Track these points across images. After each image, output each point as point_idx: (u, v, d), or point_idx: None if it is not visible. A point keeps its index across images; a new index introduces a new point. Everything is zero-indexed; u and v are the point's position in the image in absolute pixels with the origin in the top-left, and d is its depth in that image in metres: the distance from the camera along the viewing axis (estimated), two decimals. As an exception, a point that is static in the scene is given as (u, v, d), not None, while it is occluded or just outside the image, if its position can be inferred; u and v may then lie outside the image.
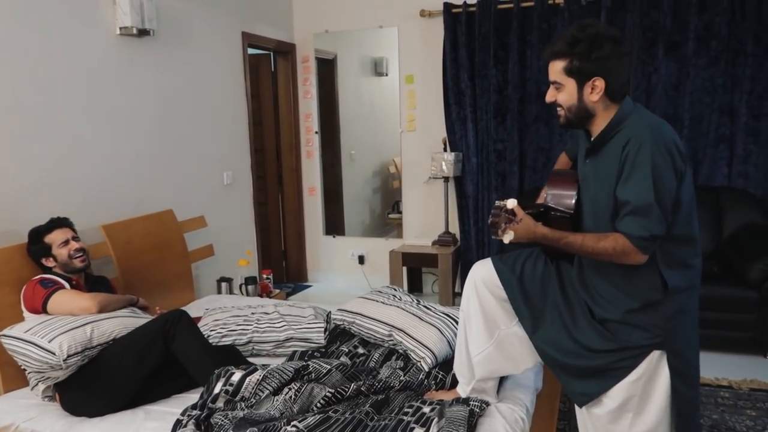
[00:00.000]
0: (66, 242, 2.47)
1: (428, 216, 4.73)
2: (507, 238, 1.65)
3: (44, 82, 2.77)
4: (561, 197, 1.82)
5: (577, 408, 1.87)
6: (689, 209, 1.65)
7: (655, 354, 1.68)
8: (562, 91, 1.69)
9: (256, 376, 2.03)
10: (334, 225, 5.26)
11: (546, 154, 4.22)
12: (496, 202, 1.67)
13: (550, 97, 1.74)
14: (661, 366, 1.68)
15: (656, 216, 1.54)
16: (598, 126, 1.70)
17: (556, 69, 1.68)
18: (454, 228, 4.58)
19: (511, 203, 1.66)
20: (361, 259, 5.07)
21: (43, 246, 2.45)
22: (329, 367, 2.13)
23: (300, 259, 5.24)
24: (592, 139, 1.73)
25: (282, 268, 5.26)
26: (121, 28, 3.15)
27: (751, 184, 3.82)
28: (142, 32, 3.24)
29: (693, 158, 3.87)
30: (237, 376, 2.03)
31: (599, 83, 1.63)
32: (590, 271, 1.77)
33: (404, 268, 4.52)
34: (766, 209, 3.76)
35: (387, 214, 5.35)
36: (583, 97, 1.66)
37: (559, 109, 1.73)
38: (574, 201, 1.80)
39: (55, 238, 2.46)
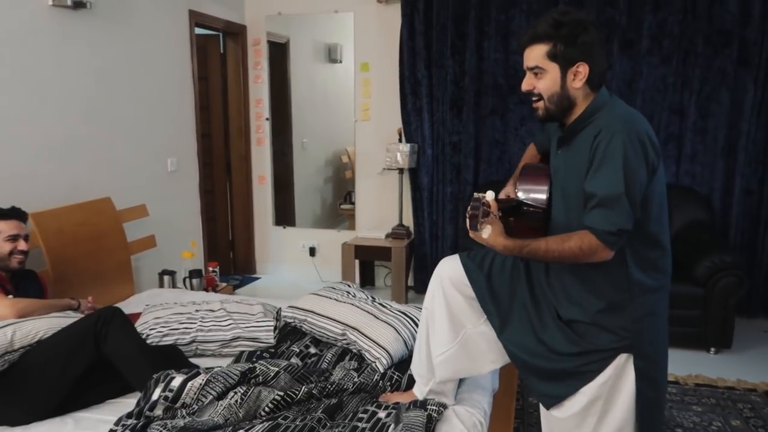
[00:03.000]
0: (14, 238, 2.27)
1: (382, 208, 4.64)
2: (486, 232, 1.55)
3: (-37, 55, 2.51)
4: (533, 191, 1.74)
5: (542, 409, 1.82)
6: (660, 206, 1.60)
7: (622, 357, 1.63)
8: (543, 77, 1.58)
9: (198, 381, 1.88)
10: (285, 215, 5.10)
11: (501, 147, 4.19)
12: (475, 194, 1.56)
13: (526, 85, 1.62)
14: (628, 369, 1.64)
15: (624, 209, 1.48)
16: (574, 115, 1.63)
17: (538, 54, 1.57)
18: (408, 221, 4.50)
19: (490, 196, 1.56)
20: (312, 251, 4.93)
21: None
22: (277, 369, 2.00)
23: (248, 250, 5.06)
24: (565, 128, 1.66)
25: (229, 259, 5.06)
26: (53, -1, 2.90)
27: (697, 182, 3.90)
28: (78, 4, 2.99)
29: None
30: (177, 380, 1.88)
31: (583, 69, 1.55)
32: (557, 270, 1.71)
33: (357, 261, 4.41)
34: (712, 207, 3.85)
35: (339, 204, 5.23)
36: (566, 84, 1.57)
37: (536, 101, 1.63)
38: (546, 196, 1.73)
39: (6, 227, 2.28)
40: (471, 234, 1.57)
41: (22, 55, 2.78)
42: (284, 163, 5.06)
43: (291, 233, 5.01)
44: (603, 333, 1.63)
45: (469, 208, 1.53)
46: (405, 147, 4.20)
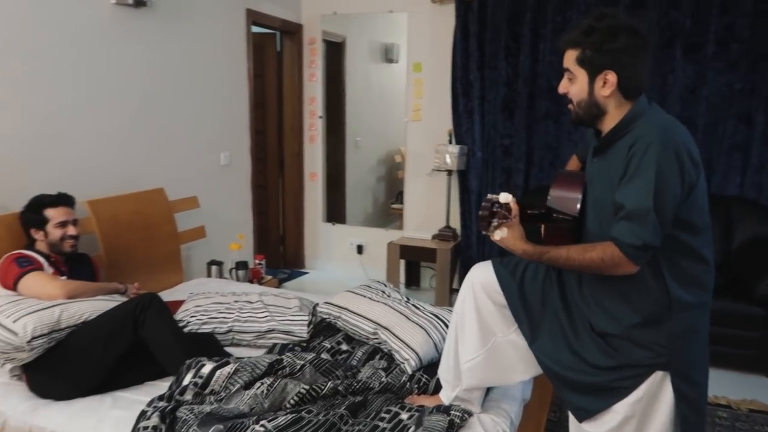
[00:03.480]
0: (64, 223, 2.39)
1: (430, 209, 4.62)
2: (498, 234, 1.53)
3: (31, 51, 2.67)
4: (565, 200, 1.70)
5: (571, 421, 1.76)
6: (702, 219, 1.53)
7: (658, 374, 1.57)
8: (574, 82, 1.58)
9: (227, 369, 1.94)
10: (336, 212, 5.16)
11: (554, 152, 4.09)
12: (489, 195, 1.54)
13: (562, 88, 1.63)
14: (664, 388, 1.57)
15: (652, 224, 1.42)
16: (609, 124, 1.59)
17: (569, 57, 1.58)
18: (456, 223, 4.46)
19: (505, 198, 1.54)
20: (360, 249, 4.97)
21: (40, 218, 2.37)
22: (303, 362, 2.03)
23: (298, 246, 5.15)
24: (601, 137, 1.62)
25: (279, 253, 5.17)
26: (117, -2, 3.05)
27: (764, 195, 3.67)
28: (139, 3, 3.13)
29: (706, 166, 3.66)
30: (207, 368, 1.94)
31: (611, 77, 1.52)
32: (590, 281, 1.66)
33: (402, 261, 4.41)
34: (779, 222, 3.62)
35: (390, 204, 5.24)
36: (594, 91, 1.55)
37: (569, 104, 1.63)
38: (578, 206, 1.68)
39: (55, 214, 2.38)
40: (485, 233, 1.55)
41: (86, 51, 2.93)
42: (337, 160, 5.12)
43: (340, 230, 5.07)
44: (638, 348, 1.57)
45: (480, 209, 1.51)
46: (454, 149, 4.17)
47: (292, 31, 4.73)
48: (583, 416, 1.66)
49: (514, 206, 1.55)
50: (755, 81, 3.59)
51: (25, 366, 2.08)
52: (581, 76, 1.56)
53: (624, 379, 1.58)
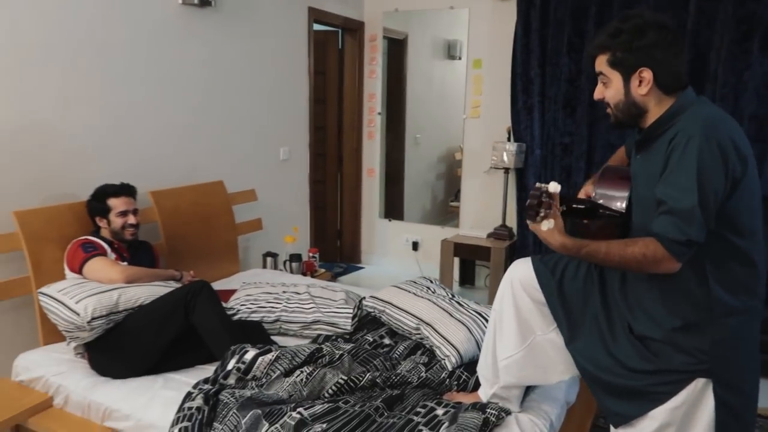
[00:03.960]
0: (125, 213, 2.52)
1: (486, 207, 4.56)
2: (546, 225, 1.49)
3: (102, 47, 2.83)
4: (612, 197, 1.65)
5: (612, 428, 1.71)
6: (752, 219, 1.45)
7: (699, 382, 1.49)
8: (609, 86, 1.56)
9: (269, 356, 2.00)
10: (393, 208, 5.18)
11: (615, 151, 3.93)
12: (537, 184, 1.51)
13: (598, 93, 1.61)
14: (706, 396, 1.50)
15: (697, 220, 1.36)
16: (650, 120, 1.54)
17: (601, 62, 1.56)
18: (512, 222, 4.38)
19: (554, 187, 1.50)
20: (415, 246, 4.97)
21: (104, 206, 2.51)
22: (341, 351, 2.07)
23: (354, 241, 5.22)
24: (643, 132, 1.56)
25: (336, 247, 5.25)
26: (183, -2, 3.18)
27: None
28: (204, 2, 3.26)
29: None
30: (250, 354, 2.01)
31: (646, 74, 1.49)
32: (632, 282, 1.60)
33: (456, 259, 4.38)
34: None
35: (449, 201, 5.21)
36: (631, 92, 1.52)
37: (608, 109, 1.60)
38: (625, 203, 1.62)
39: (117, 204, 2.52)
40: (530, 226, 1.52)
41: (153, 49, 3.09)
42: (396, 157, 5.14)
43: (396, 226, 5.09)
44: (678, 353, 1.50)
45: (529, 197, 1.48)
46: (512, 146, 4.09)
47: (353, 29, 4.79)
48: (619, 421, 1.61)
49: (556, 197, 1.51)
50: (842, 76, 3.32)
51: (86, 345, 2.22)
52: (615, 78, 1.53)
53: (662, 384, 1.51)
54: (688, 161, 1.37)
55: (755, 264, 1.47)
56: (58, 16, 2.62)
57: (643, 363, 1.55)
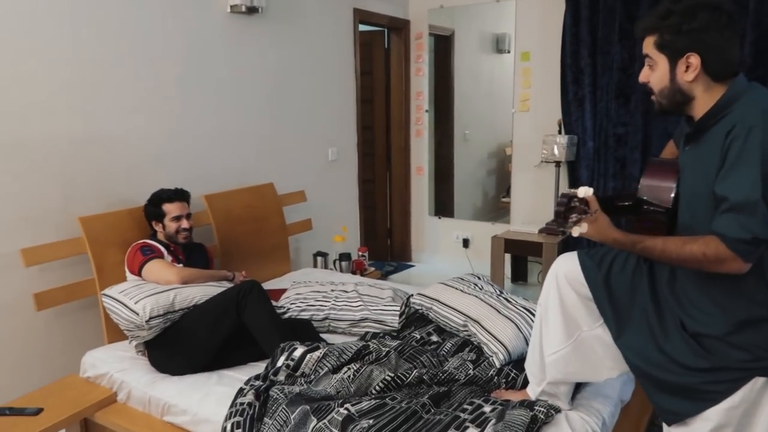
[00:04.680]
0: (178, 218, 2.62)
1: (537, 202, 4.48)
2: (577, 231, 1.47)
3: (157, 59, 2.96)
4: (657, 190, 1.59)
5: (664, 426, 1.66)
6: None
7: (759, 381, 1.42)
8: (655, 69, 1.49)
9: (316, 354, 2.04)
10: (443, 206, 5.16)
11: (673, 140, 3.78)
12: (565, 190, 1.50)
13: (643, 77, 1.54)
14: (766, 396, 1.43)
15: (762, 215, 1.28)
16: (700, 110, 1.46)
17: (648, 44, 1.49)
18: (565, 216, 4.28)
19: (584, 192, 1.47)
20: (466, 243, 4.94)
21: (159, 211, 2.62)
22: (388, 348, 2.08)
23: (404, 239, 5.23)
24: (694, 123, 1.50)
25: (386, 246, 5.28)
26: (231, 6, 3.27)
27: None
28: (252, 10, 3.34)
29: None
30: (299, 351, 2.05)
31: (694, 60, 1.41)
32: (683, 277, 1.54)
33: (508, 255, 4.32)
34: None
35: (501, 197, 5.15)
36: (677, 77, 1.45)
37: (651, 95, 1.54)
38: (672, 195, 1.56)
39: (171, 209, 2.62)
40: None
41: (204, 56, 3.20)
42: (444, 154, 5.12)
43: (446, 224, 5.07)
44: (735, 350, 1.43)
45: (557, 204, 1.45)
46: (562, 139, 4.00)
47: (399, 27, 4.80)
48: (672, 419, 1.55)
49: (592, 199, 1.48)
50: None
51: (146, 343, 2.33)
52: (662, 62, 1.47)
53: (717, 382, 1.45)
54: (750, 154, 1.30)
55: None
56: (116, 31, 2.75)
57: (697, 360, 1.48)
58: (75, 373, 2.46)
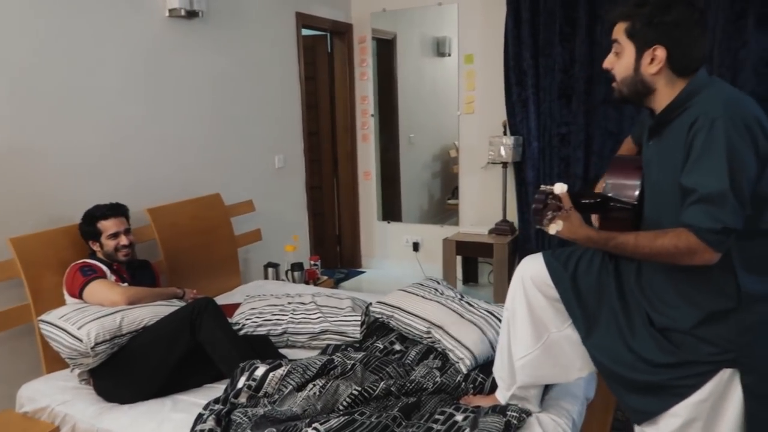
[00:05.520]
0: (116, 234, 2.46)
1: (485, 203, 4.52)
2: (554, 228, 1.45)
3: (92, 65, 2.78)
4: (622, 187, 1.60)
5: (635, 425, 1.66)
6: None
7: (726, 373, 1.44)
8: (621, 56, 1.49)
9: (280, 372, 1.95)
10: (391, 210, 5.14)
11: (615, 138, 3.89)
12: (542, 186, 1.47)
13: (607, 63, 1.54)
14: (733, 386, 1.44)
15: (731, 206, 1.29)
16: (661, 103, 1.48)
17: (619, 29, 1.50)
18: (513, 216, 4.34)
19: (559, 188, 1.46)
20: (416, 246, 4.92)
21: (94, 230, 2.45)
22: (353, 361, 2.02)
23: (354, 245, 5.16)
24: (656, 117, 1.51)
25: (336, 253, 5.20)
26: (170, 10, 3.12)
27: None
28: (191, 13, 3.20)
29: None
30: (261, 370, 1.95)
31: (660, 53, 1.43)
32: (650, 272, 1.55)
33: (459, 257, 4.34)
34: None
35: (446, 199, 5.17)
36: (641, 68, 1.46)
37: (612, 81, 1.55)
38: (637, 192, 1.57)
39: (107, 226, 2.45)
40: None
41: (142, 62, 3.03)
42: (391, 158, 5.10)
43: (395, 228, 5.04)
44: (702, 344, 1.45)
45: (533, 201, 1.43)
46: (509, 140, 4.05)
47: (342, 31, 4.74)
48: (641, 418, 1.55)
49: (565, 197, 1.46)
50: (839, 49, 3.29)
51: (91, 371, 2.16)
52: (629, 49, 1.47)
53: (685, 377, 1.46)
54: (715, 144, 1.31)
55: None
56: (46, 36, 2.57)
57: (665, 356, 1.49)
58: (11, 408, 2.26)
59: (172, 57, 3.19)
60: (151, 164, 3.10)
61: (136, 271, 2.58)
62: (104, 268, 2.41)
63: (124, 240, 2.45)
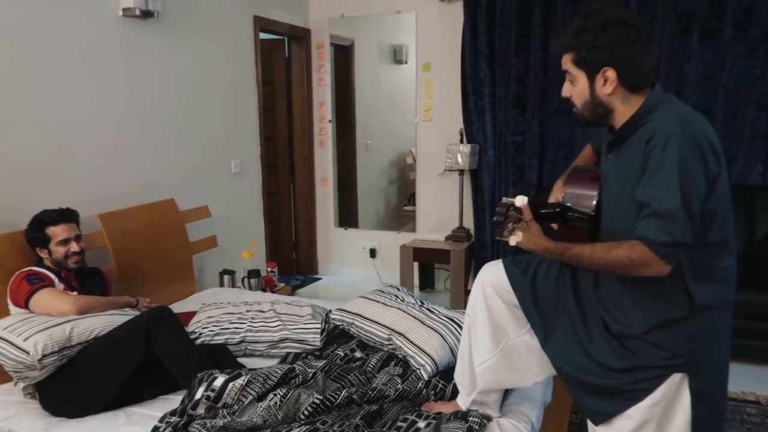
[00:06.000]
0: (66, 241, 2.36)
1: (442, 210, 4.56)
2: (514, 240, 1.48)
3: (41, 65, 2.67)
4: (580, 197, 1.64)
5: (590, 425, 1.71)
6: (725, 214, 1.46)
7: (677, 377, 1.50)
8: (576, 84, 1.54)
9: (239, 381, 1.90)
10: (347, 216, 5.12)
11: (567, 147, 4.01)
12: (503, 198, 1.50)
13: (565, 91, 1.59)
14: (683, 390, 1.50)
15: (681, 221, 1.35)
16: (620, 120, 1.53)
17: (566, 60, 1.54)
18: (469, 223, 4.40)
19: (520, 201, 1.49)
20: (373, 253, 4.92)
21: (42, 236, 2.34)
22: (314, 369, 2.00)
23: (310, 251, 5.12)
24: (615, 132, 1.56)
25: (292, 260, 5.15)
26: (123, 9, 3.03)
27: (788, 183, 3.56)
28: (146, 14, 3.12)
29: (726, 155, 3.59)
30: (219, 380, 1.91)
31: (611, 73, 1.47)
32: (606, 282, 1.60)
33: (416, 264, 4.36)
34: (804, 211, 3.51)
35: (402, 206, 5.19)
36: (596, 91, 1.50)
37: (574, 108, 1.59)
38: (594, 202, 1.62)
39: (57, 232, 2.35)
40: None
41: (94, 63, 2.93)
42: (348, 164, 5.09)
43: (352, 234, 5.03)
44: (655, 349, 1.51)
45: (494, 214, 1.45)
46: (465, 148, 4.11)
47: (300, 36, 4.71)
48: (598, 419, 1.61)
49: (526, 209, 1.49)
50: (775, 66, 3.48)
51: (37, 384, 2.06)
52: (581, 77, 1.51)
53: (639, 381, 1.51)
54: (668, 161, 1.36)
55: (729, 257, 1.49)
56: (-15, 33, 2.45)
57: (620, 361, 1.54)
58: (-52, 425, 2.13)
59: (125, 58, 3.10)
60: (103, 168, 3.00)
61: (85, 279, 2.48)
62: (52, 276, 2.31)
63: (74, 247, 2.36)
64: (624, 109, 1.50)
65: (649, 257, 1.37)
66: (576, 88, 1.54)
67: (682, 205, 1.34)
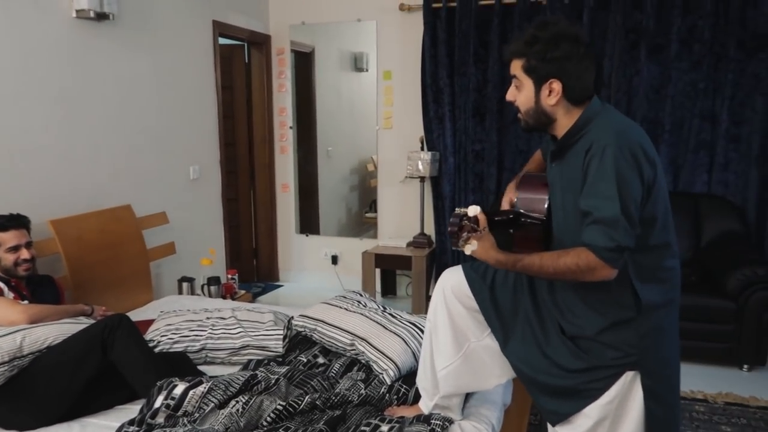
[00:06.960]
0: (16, 248, 2.28)
1: (404, 216, 4.60)
2: (469, 248, 1.52)
3: (-11, 66, 2.59)
4: (532, 202, 1.70)
5: (549, 426, 1.76)
6: (665, 217, 1.54)
7: (629, 374, 1.57)
8: (521, 90, 1.58)
9: (200, 389, 1.87)
10: (309, 223, 5.10)
11: (524, 156, 4.11)
12: (456, 209, 1.54)
13: (510, 95, 1.63)
14: (635, 387, 1.57)
15: (622, 227, 1.42)
16: (561, 130, 1.59)
17: (516, 66, 1.58)
18: (430, 229, 4.45)
19: (473, 211, 1.53)
20: (335, 259, 4.92)
21: None
22: (277, 375, 1.98)
23: (271, 258, 5.08)
24: (557, 142, 1.62)
25: (253, 266, 5.09)
26: (77, 11, 2.96)
27: (730, 191, 3.74)
28: (101, 16, 3.06)
29: (673, 164, 3.79)
30: (180, 388, 1.87)
31: (556, 86, 1.52)
32: (560, 287, 1.66)
33: (378, 270, 4.38)
34: (745, 218, 3.69)
35: (364, 213, 5.21)
36: (540, 100, 1.55)
37: (518, 113, 1.63)
38: (546, 206, 1.68)
39: (6, 238, 2.27)
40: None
41: (46, 65, 2.85)
42: (309, 171, 5.08)
43: (313, 241, 5.02)
44: (608, 349, 1.57)
45: (449, 224, 1.49)
46: (426, 155, 4.16)
47: (260, 42, 4.69)
48: (556, 420, 1.66)
49: (481, 217, 1.54)
50: (718, 80, 3.67)
51: (-14, 396, 1.98)
52: (528, 84, 1.56)
53: (595, 381, 1.57)
54: (606, 171, 1.42)
55: (672, 259, 1.57)
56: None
57: (576, 362, 1.60)
58: None
59: (79, 61, 3.03)
60: (55, 173, 2.91)
61: (36, 288, 2.41)
62: (1, 284, 2.23)
63: (25, 254, 2.28)
64: (565, 121, 1.56)
65: (595, 262, 1.44)
66: (521, 94, 1.58)
67: (622, 212, 1.41)
